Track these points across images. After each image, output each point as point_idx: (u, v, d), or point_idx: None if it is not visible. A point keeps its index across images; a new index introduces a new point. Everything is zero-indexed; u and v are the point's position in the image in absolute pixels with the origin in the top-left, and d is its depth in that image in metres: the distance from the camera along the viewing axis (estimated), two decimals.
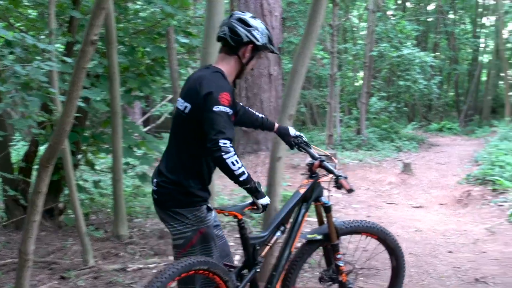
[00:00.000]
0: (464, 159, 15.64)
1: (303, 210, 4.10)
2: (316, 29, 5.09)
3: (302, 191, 4.08)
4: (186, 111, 3.44)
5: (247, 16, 3.62)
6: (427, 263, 6.37)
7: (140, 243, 6.79)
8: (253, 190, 3.49)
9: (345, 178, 3.90)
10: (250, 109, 4.15)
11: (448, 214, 9.62)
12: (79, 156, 7.67)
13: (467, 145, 19.59)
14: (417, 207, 10.25)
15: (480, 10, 34.68)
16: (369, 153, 16.28)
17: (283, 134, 4.25)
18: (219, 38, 3.64)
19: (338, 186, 3.89)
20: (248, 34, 3.53)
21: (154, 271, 5.69)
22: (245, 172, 3.35)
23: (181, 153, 3.52)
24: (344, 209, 9.54)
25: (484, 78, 34.90)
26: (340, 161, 13.71)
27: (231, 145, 3.27)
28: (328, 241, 4.17)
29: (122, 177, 6.95)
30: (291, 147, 4.29)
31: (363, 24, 28.60)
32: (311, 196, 4.12)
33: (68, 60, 5.68)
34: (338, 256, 4.24)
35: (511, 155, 12.47)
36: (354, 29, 29.78)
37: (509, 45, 29.51)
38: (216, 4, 4.74)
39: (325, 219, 4.16)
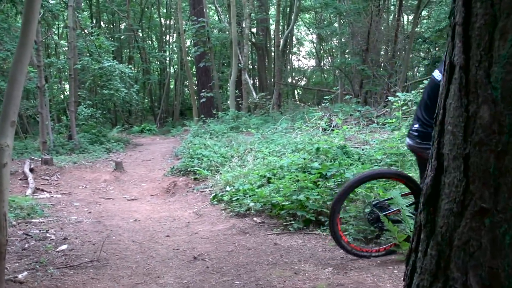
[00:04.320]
0: (166, 154, 15.80)
1: None
2: (31, 37, 4.54)
3: None
4: None
5: None
6: (149, 248, 6.15)
7: None
8: None
9: None
10: None
11: (160, 203, 9.53)
12: None
13: (166, 143, 19.91)
14: (132, 199, 9.99)
15: (164, 29, 35.84)
16: (82, 155, 15.63)
17: None
18: None
19: None
20: None
21: None
22: None
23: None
24: (66, 207, 8.88)
25: (172, 86, 36.03)
26: (56, 165, 12.92)
27: None
28: None
29: None
30: None
31: (63, 42, 27.62)
32: None
33: None
34: None
35: (205, 148, 12.82)
36: (54, 45, 28.54)
37: (189, 58, 30.75)
38: None
39: None
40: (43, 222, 7.60)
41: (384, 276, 4.55)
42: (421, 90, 11.57)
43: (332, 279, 4.51)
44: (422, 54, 26.02)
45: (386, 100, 15.88)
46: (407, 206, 4.70)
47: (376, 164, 8.12)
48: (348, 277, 4.54)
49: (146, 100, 35.82)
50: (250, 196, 7.68)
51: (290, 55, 36.29)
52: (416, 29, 20.51)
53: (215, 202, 8.45)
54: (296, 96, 36.02)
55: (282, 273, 4.79)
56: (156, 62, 36.45)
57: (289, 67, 35.50)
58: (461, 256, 2.14)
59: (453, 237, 2.17)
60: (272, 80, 28.49)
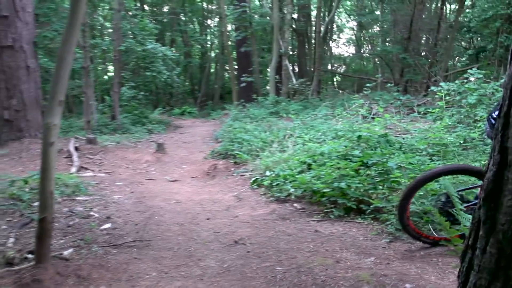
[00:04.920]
0: (206, 137, 15.79)
1: None
2: (79, 18, 4.52)
3: None
4: None
5: None
6: (191, 230, 6.11)
7: None
8: None
9: None
10: None
11: (200, 185, 9.51)
12: None
13: (206, 126, 19.91)
14: (173, 181, 9.98)
15: (205, 13, 35.79)
16: (124, 136, 15.74)
17: None
18: None
19: None
20: None
21: None
22: None
23: None
24: (109, 186, 8.90)
25: (212, 70, 36.01)
26: (100, 144, 13.03)
27: None
28: None
29: None
30: None
31: (107, 24, 27.77)
32: None
33: None
34: None
35: (245, 132, 12.75)
36: (99, 27, 28.71)
37: (230, 43, 30.63)
38: None
39: None
40: (87, 200, 7.63)
41: (428, 268, 4.42)
42: (465, 80, 11.29)
43: (374, 269, 4.39)
44: (463, 43, 25.48)
45: (428, 89, 15.56)
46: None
47: (418, 153, 7.95)
48: (391, 268, 4.42)
49: (187, 83, 35.90)
50: (290, 182, 7.58)
51: (330, 42, 35.85)
52: (460, 19, 20.01)
53: (255, 187, 8.38)
54: (335, 83, 35.64)
55: (323, 260, 4.69)
56: (197, 46, 36.46)
57: (328, 54, 35.10)
58: None
59: None
60: (312, 67, 28.23)
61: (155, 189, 8.93)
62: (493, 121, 4.50)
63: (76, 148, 11.96)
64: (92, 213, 6.83)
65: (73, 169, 10.20)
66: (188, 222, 6.53)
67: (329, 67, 34.87)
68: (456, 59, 26.16)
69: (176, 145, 14.46)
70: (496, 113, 4.04)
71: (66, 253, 4.97)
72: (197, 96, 33.12)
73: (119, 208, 7.28)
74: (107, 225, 6.27)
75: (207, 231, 6.09)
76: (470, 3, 23.45)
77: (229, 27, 29.96)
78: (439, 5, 20.71)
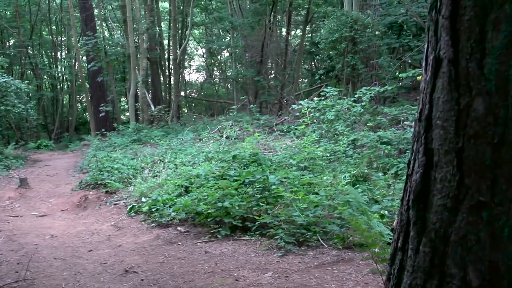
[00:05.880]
0: (70, 169, 14.97)
1: None
2: None
3: None
4: None
5: None
6: (75, 264, 5.66)
7: None
8: None
9: None
10: None
11: (72, 218, 8.91)
12: None
13: (66, 158, 18.97)
14: (42, 215, 9.24)
15: (55, 45, 34.64)
16: None
17: None
18: None
19: None
20: None
21: None
22: None
23: None
24: None
25: (66, 101, 34.76)
26: None
27: None
28: None
29: None
30: None
31: None
32: None
33: None
34: None
35: (112, 161, 12.28)
36: None
37: (83, 74, 29.63)
38: None
39: None
40: None
41: (326, 277, 4.42)
42: (319, 98, 11.75)
43: (276, 283, 4.31)
44: (306, 66, 26.69)
45: (288, 108, 16.02)
46: None
47: (289, 168, 8.09)
48: (292, 281, 4.36)
49: (39, 117, 34.15)
50: (170, 206, 7.34)
51: (182, 69, 36.06)
52: (308, 41, 20.96)
53: (133, 214, 8.01)
54: (191, 108, 35.78)
55: (223, 280, 4.53)
56: (47, 78, 34.87)
57: (183, 81, 35.27)
58: (458, 252, 2.03)
59: (449, 232, 2.05)
60: (165, 93, 28.29)
61: (24, 226, 8.23)
62: None
63: None
64: None
65: None
66: (70, 256, 6.07)
67: (183, 93, 35.01)
68: (301, 80, 27.33)
69: (39, 179, 13.50)
70: None
71: None
72: (51, 129, 31.60)
73: None
74: None
75: (93, 263, 5.68)
76: (310, 28, 24.67)
77: (81, 58, 29.03)
78: (284, 30, 21.51)
